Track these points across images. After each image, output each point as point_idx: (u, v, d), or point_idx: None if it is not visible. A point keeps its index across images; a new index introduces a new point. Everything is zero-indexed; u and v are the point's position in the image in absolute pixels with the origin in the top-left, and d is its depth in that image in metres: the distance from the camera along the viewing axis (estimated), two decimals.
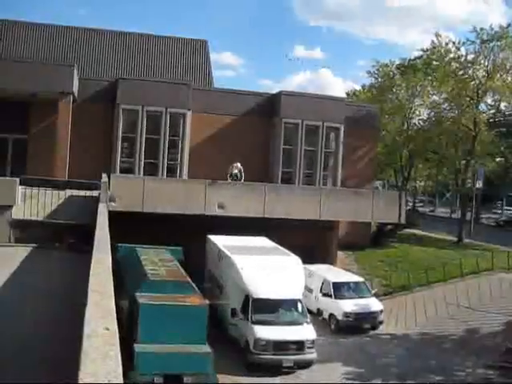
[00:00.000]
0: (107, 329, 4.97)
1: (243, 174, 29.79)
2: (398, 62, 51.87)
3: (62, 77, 28.85)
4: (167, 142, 32.73)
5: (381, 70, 52.87)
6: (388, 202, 30.80)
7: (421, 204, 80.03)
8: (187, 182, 29.63)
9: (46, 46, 40.08)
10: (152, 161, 32.65)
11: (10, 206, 19.66)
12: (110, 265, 8.30)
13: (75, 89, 29.90)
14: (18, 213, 19.66)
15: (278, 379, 19.78)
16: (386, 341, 24.84)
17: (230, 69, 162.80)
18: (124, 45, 42.17)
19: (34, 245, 18.45)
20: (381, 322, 26.06)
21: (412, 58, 49.84)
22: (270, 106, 34.80)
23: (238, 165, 29.94)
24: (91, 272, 7.46)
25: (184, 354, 17.64)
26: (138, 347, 17.27)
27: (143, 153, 32.44)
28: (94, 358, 4.28)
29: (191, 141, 33.17)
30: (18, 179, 20.94)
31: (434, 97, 48.04)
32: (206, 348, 18.08)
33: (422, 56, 47.33)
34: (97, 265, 7.88)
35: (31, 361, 7.88)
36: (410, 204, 65.47)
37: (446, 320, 26.95)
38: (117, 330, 5.06)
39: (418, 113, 51.29)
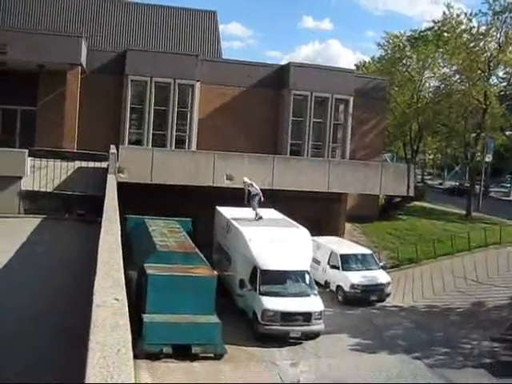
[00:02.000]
0: (116, 299, 5.03)
1: (257, 187, 24.10)
2: (408, 34, 51.31)
3: (70, 48, 28.70)
4: (176, 113, 32.65)
5: (391, 41, 52.27)
6: (397, 174, 30.72)
7: (429, 177, 79.87)
8: (196, 154, 29.60)
9: (53, 17, 39.80)
10: (161, 132, 32.62)
11: (20, 178, 19.72)
12: (119, 236, 8.34)
13: (84, 60, 29.77)
14: (27, 184, 19.73)
15: (284, 350, 19.93)
16: (393, 313, 24.94)
17: (237, 40, 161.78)
18: (132, 15, 41.81)
19: (44, 216, 18.56)
20: (388, 295, 26.15)
21: (423, 29, 49.25)
22: (278, 77, 34.59)
23: (247, 180, 24.30)
24: (100, 243, 7.51)
25: (192, 325, 17.81)
26: (146, 317, 17.46)
27: (152, 124, 32.40)
28: (104, 327, 4.33)
29: (200, 112, 33.08)
30: (26, 151, 20.98)
31: (445, 69, 47.71)
32: (215, 318, 18.24)
33: (432, 27, 46.74)
34: (106, 236, 7.92)
35: (42, 331, 7.96)
36: (419, 177, 65.32)
37: (453, 293, 27.01)
38: (126, 301, 5.11)
39: (427, 85, 50.93)
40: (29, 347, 7.31)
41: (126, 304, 4.99)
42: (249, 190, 23.82)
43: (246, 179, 24.03)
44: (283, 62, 36.87)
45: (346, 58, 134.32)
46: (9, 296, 9.69)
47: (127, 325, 4.45)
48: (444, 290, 27.34)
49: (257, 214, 23.90)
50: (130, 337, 4.22)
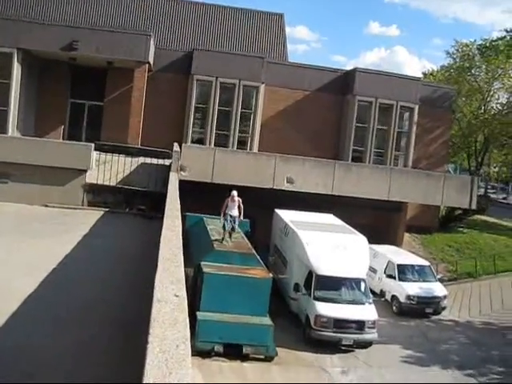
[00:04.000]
0: (176, 295, 5.09)
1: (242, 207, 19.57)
2: (478, 43, 50.22)
3: (138, 46, 29.22)
4: (239, 114, 32.82)
5: (460, 50, 51.26)
6: (459, 186, 30.09)
7: (493, 190, 77.96)
8: (257, 155, 29.68)
9: (123, 15, 40.59)
10: (223, 132, 32.84)
11: (85, 171, 20.20)
12: (181, 232, 8.44)
13: (151, 58, 30.27)
14: (92, 177, 20.19)
15: (336, 357, 19.80)
16: (448, 327, 24.46)
17: (303, 43, 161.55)
18: (200, 16, 42.24)
19: (106, 209, 18.96)
20: (444, 308, 25.67)
21: (494, 38, 48.16)
22: (343, 82, 34.36)
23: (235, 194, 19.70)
24: (162, 239, 7.60)
25: (245, 325, 17.88)
26: (200, 315, 17.61)
27: (215, 124, 32.66)
28: (164, 322, 4.39)
29: (263, 114, 33.16)
30: (92, 145, 21.48)
31: None
32: (267, 320, 18.28)
33: (504, 37, 45.66)
34: (168, 232, 8.02)
35: (100, 321, 8.11)
36: (482, 190, 63.85)
37: None
38: (185, 297, 5.17)
39: (496, 96, 49.68)
40: (84, 338, 7.45)
41: (186, 301, 5.05)
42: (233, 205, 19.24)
43: (235, 193, 19.46)
44: (348, 67, 36.65)
45: (411, 65, 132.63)
46: (68, 284, 9.92)
47: (186, 321, 4.51)
48: (502, 308, 26.68)
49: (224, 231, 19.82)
50: (188, 333, 4.27)
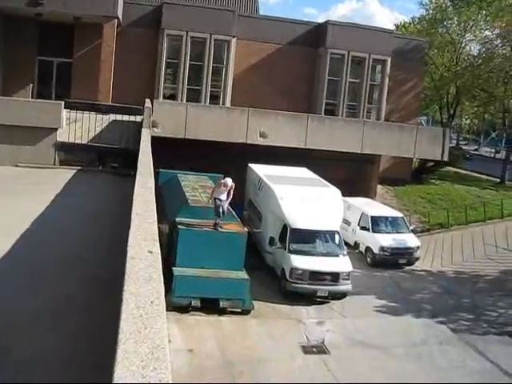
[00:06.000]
0: (150, 252, 5.11)
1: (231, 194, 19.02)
2: None
3: (106, 0, 28.58)
4: (211, 68, 32.51)
5: (433, 1, 50.99)
6: (432, 138, 30.28)
7: (465, 142, 78.64)
8: (230, 110, 29.50)
9: None
10: (195, 87, 32.55)
11: (55, 129, 19.94)
12: (154, 189, 8.42)
13: (120, 13, 29.63)
14: (63, 136, 19.95)
15: (311, 308, 20.12)
16: (421, 277, 24.93)
17: None
18: None
19: (78, 167, 18.80)
20: (417, 259, 26.11)
21: None
22: (315, 35, 34.11)
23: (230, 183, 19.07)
24: (135, 196, 7.59)
25: (221, 280, 18.04)
26: (176, 271, 17.73)
27: (186, 79, 32.33)
28: (138, 279, 4.42)
29: (235, 68, 32.89)
30: (62, 102, 21.15)
31: (487, 32, 46.39)
32: (244, 274, 18.46)
33: None
34: (140, 189, 8.00)
35: (75, 279, 8.13)
36: (454, 141, 64.36)
37: (483, 260, 26.87)
38: (159, 254, 5.19)
39: (468, 48, 49.70)
40: (59, 296, 7.48)
41: (160, 257, 5.08)
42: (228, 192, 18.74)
43: (228, 181, 18.74)
44: (319, 20, 36.35)
45: (383, 17, 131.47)
46: (43, 242, 9.90)
47: (160, 277, 4.54)
48: (474, 257, 27.21)
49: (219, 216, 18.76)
50: (163, 289, 4.30)
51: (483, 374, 16.63)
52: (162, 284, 4.42)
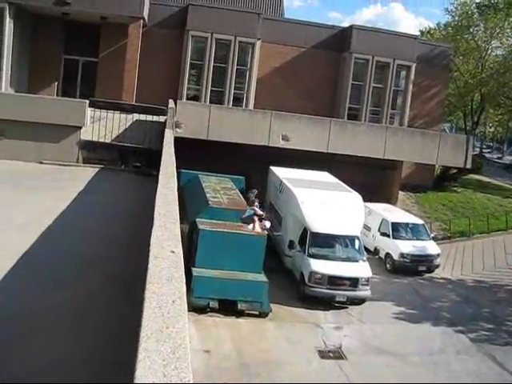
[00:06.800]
0: (173, 252, 5.13)
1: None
2: (477, 0, 49.55)
3: (133, 0, 28.78)
4: (235, 71, 32.58)
5: (459, 8, 50.68)
6: (455, 145, 30.10)
7: (488, 150, 77.98)
8: (253, 112, 29.55)
9: None
10: (219, 89, 32.63)
11: (79, 128, 20.07)
12: (176, 189, 8.45)
13: (146, 13, 29.83)
14: (86, 134, 20.06)
15: (329, 313, 20.07)
16: (441, 285, 24.75)
17: None
18: None
19: (101, 166, 18.91)
20: (437, 266, 25.94)
21: None
22: (340, 39, 34.04)
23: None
24: (157, 195, 7.62)
25: (240, 282, 18.06)
26: (195, 271, 17.79)
27: (210, 81, 32.43)
28: (160, 278, 4.44)
29: (259, 71, 32.91)
30: (87, 101, 21.28)
31: None
32: (262, 277, 18.46)
33: None
34: (163, 189, 8.03)
35: (96, 278, 8.17)
36: (477, 149, 63.87)
37: (504, 270, 26.64)
38: (182, 253, 5.21)
39: (494, 55, 49.31)
40: (80, 294, 7.52)
41: (182, 257, 5.09)
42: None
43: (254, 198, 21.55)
44: (344, 24, 36.29)
45: (408, 22, 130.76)
46: (64, 241, 9.96)
47: (182, 277, 4.55)
48: (494, 266, 26.98)
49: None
50: (184, 289, 4.31)
51: None
52: (184, 284, 4.44)
